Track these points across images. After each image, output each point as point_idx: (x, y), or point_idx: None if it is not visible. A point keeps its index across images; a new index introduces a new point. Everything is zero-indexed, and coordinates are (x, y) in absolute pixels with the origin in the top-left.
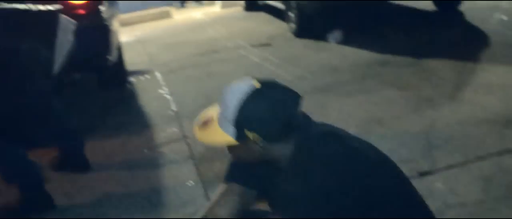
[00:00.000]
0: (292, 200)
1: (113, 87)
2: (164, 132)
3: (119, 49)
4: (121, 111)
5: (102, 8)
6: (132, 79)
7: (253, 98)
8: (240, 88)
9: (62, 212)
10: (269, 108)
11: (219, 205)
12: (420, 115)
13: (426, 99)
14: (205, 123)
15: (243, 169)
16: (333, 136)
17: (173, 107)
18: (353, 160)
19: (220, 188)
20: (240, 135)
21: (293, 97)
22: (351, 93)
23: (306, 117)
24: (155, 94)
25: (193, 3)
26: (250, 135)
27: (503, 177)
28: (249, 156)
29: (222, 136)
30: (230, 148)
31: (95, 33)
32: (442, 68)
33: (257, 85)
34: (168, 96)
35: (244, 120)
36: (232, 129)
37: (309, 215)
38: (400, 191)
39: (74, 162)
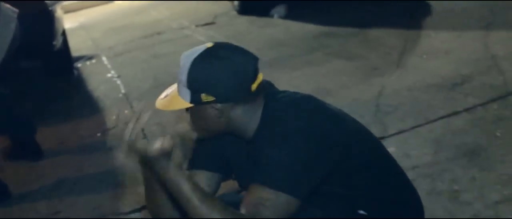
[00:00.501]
0: (266, 170)
1: (59, 73)
2: (115, 114)
3: (64, 35)
4: (70, 97)
5: None
6: (78, 64)
7: (204, 58)
8: (194, 51)
9: (18, 200)
10: (220, 67)
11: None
12: (369, 83)
13: (374, 68)
14: (167, 95)
15: (206, 152)
16: (305, 102)
17: (122, 89)
18: (331, 125)
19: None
20: (195, 98)
21: (248, 58)
22: (299, 66)
23: (270, 85)
24: (103, 78)
25: None
26: (204, 97)
27: (452, 138)
28: (209, 122)
29: (179, 102)
30: (192, 116)
31: (39, 19)
32: (387, 37)
33: (210, 46)
34: (116, 79)
35: (195, 80)
36: (187, 92)
37: (288, 184)
38: (378, 154)
39: (27, 150)
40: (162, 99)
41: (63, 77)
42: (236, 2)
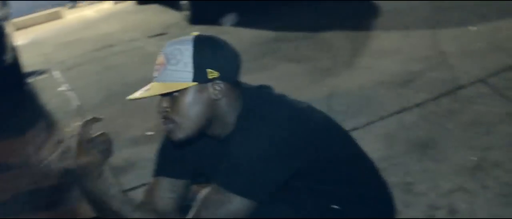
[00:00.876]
0: (224, 171)
1: (11, 89)
2: (69, 126)
3: (14, 51)
4: (22, 112)
5: None
6: (30, 80)
7: (203, 40)
8: (184, 40)
9: None
10: (222, 46)
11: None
12: (320, 84)
13: (325, 69)
14: (148, 89)
15: (169, 158)
16: (280, 98)
17: (76, 102)
18: (305, 120)
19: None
20: (199, 74)
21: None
22: (251, 70)
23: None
24: (55, 92)
25: (84, 2)
26: (210, 72)
27: (405, 133)
28: (204, 106)
29: (177, 84)
30: (184, 103)
31: None
32: (337, 39)
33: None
34: (69, 93)
35: (201, 56)
36: (188, 72)
37: (242, 186)
38: (349, 148)
39: None
40: (145, 90)
41: (14, 93)
42: (187, 13)
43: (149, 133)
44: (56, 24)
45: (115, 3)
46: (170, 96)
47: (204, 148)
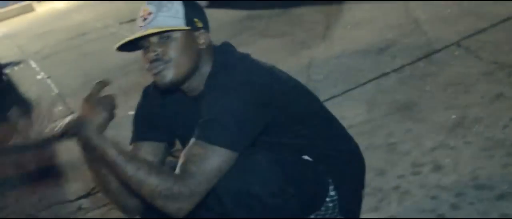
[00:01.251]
0: (201, 125)
1: None
2: (51, 111)
3: None
4: (3, 101)
5: None
6: (6, 71)
7: None
8: None
9: None
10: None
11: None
12: (298, 56)
13: (301, 42)
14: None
15: (146, 123)
16: (245, 60)
17: (54, 89)
18: (270, 79)
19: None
20: (190, 23)
21: None
22: None
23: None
24: (33, 80)
25: None
26: (198, 23)
27: (384, 97)
28: (193, 51)
29: (171, 28)
30: (177, 46)
31: None
32: (310, 13)
33: None
34: (47, 80)
35: (191, 9)
36: (180, 20)
37: (221, 138)
38: (316, 106)
39: None
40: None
41: None
42: None
43: (131, 113)
44: (28, 17)
45: None
46: (162, 40)
47: (177, 109)
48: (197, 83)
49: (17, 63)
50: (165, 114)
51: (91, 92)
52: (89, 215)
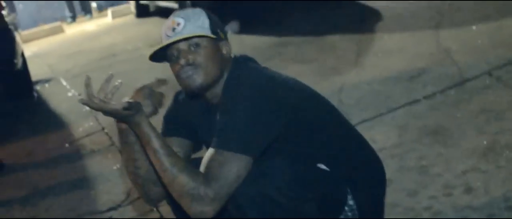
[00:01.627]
0: (218, 134)
1: (19, 95)
2: (82, 126)
3: (23, 57)
4: (33, 116)
5: (3, 12)
6: (37, 87)
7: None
8: (193, 9)
9: None
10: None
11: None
12: (329, 81)
13: (332, 68)
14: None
15: (176, 120)
16: (263, 70)
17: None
18: (287, 88)
19: None
20: (216, 33)
21: None
22: None
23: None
24: (64, 96)
25: (82, 17)
26: (221, 34)
27: (415, 122)
28: (218, 60)
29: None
30: (203, 55)
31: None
32: (341, 41)
33: None
34: (77, 97)
35: (213, 20)
36: (208, 30)
37: (236, 144)
38: (336, 117)
39: None
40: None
41: (23, 99)
42: None
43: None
44: (56, 38)
45: (114, 18)
46: (191, 47)
47: (201, 115)
48: (218, 91)
49: (47, 81)
50: (191, 118)
51: (148, 84)
52: None
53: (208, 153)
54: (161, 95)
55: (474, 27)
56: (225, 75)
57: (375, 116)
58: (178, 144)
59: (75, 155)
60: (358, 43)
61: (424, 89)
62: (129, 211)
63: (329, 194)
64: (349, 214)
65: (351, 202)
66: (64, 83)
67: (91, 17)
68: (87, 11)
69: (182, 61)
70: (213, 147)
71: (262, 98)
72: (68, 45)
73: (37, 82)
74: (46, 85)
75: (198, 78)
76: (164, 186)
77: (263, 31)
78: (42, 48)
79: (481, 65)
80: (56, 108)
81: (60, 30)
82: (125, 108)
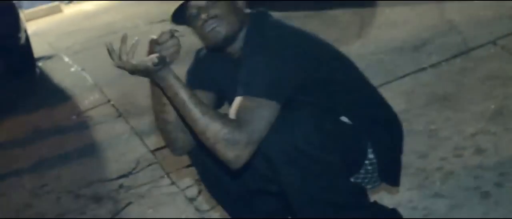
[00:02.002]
0: (244, 81)
1: (22, 71)
2: (88, 99)
3: (26, 32)
4: (38, 90)
5: None
6: (39, 63)
7: None
8: None
9: (2, 177)
10: None
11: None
12: None
13: (336, 41)
14: None
15: (200, 73)
16: (283, 22)
17: (89, 79)
18: (310, 41)
19: None
20: None
21: None
22: None
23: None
24: (67, 72)
25: None
26: None
27: (422, 89)
28: (237, 14)
29: None
30: (223, 10)
31: (4, 9)
32: (344, 15)
33: None
34: (81, 72)
35: None
36: None
37: (264, 88)
38: (357, 74)
39: None
40: None
41: (26, 75)
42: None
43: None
44: (55, 17)
45: None
46: (210, 3)
47: (223, 70)
48: (239, 45)
49: (49, 57)
50: (213, 73)
51: (159, 36)
52: (130, 193)
53: (236, 101)
54: (177, 41)
55: (477, 1)
56: (244, 29)
57: (382, 84)
58: (202, 97)
59: (83, 126)
60: (361, 16)
61: (429, 58)
62: (139, 178)
63: (352, 146)
64: (369, 168)
65: (371, 155)
66: (66, 59)
67: None
68: None
69: (204, 16)
70: (241, 94)
71: (285, 47)
72: (67, 24)
73: (38, 59)
74: (48, 61)
75: (222, 30)
76: (194, 136)
77: (265, 6)
78: (40, 28)
79: (485, 35)
80: (60, 83)
81: (58, 10)
82: (155, 64)
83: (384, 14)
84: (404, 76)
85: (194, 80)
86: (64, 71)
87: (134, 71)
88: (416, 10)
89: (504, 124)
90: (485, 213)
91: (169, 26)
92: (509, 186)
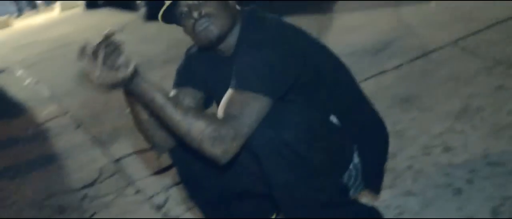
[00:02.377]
0: (236, 75)
1: None
2: (44, 111)
3: None
4: None
5: None
6: None
7: None
8: None
9: None
10: None
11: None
12: None
13: None
14: None
15: (189, 71)
16: (276, 18)
17: (45, 91)
18: (301, 38)
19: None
20: None
21: None
22: None
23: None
24: (21, 86)
25: (29, 11)
26: None
27: (385, 92)
28: (228, 14)
29: None
30: (216, 9)
31: None
32: (301, 21)
33: None
34: (36, 86)
35: None
36: None
37: (256, 83)
38: (346, 75)
39: None
40: None
41: None
42: (142, 10)
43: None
44: (5, 31)
45: (63, 10)
46: (200, 1)
47: (214, 68)
48: (231, 42)
49: (1, 71)
50: (204, 71)
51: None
52: (95, 203)
53: (227, 95)
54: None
55: (433, 4)
56: (236, 27)
57: None
58: (190, 94)
59: (42, 137)
60: (319, 22)
61: (390, 61)
62: (103, 188)
63: (339, 148)
64: (353, 172)
65: (356, 160)
66: (19, 73)
67: (38, 11)
68: (33, 5)
69: (195, 14)
70: (233, 88)
71: (279, 43)
72: (17, 38)
73: None
74: (1, 75)
75: (214, 29)
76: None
77: None
78: None
79: (444, 37)
80: (15, 96)
81: (6, 24)
82: (131, 74)
83: (342, 19)
84: (366, 80)
85: (184, 78)
86: (18, 85)
87: (111, 86)
88: (373, 15)
89: (471, 122)
90: (459, 208)
91: (123, 36)
92: (480, 183)
